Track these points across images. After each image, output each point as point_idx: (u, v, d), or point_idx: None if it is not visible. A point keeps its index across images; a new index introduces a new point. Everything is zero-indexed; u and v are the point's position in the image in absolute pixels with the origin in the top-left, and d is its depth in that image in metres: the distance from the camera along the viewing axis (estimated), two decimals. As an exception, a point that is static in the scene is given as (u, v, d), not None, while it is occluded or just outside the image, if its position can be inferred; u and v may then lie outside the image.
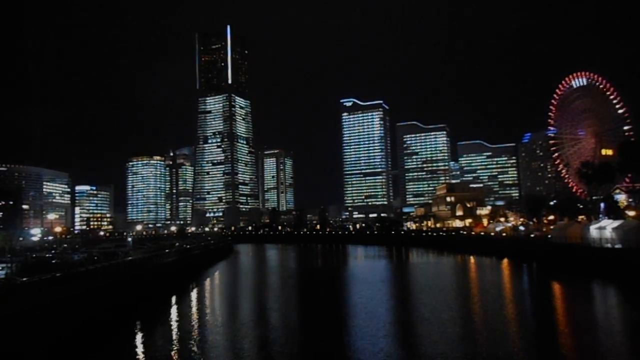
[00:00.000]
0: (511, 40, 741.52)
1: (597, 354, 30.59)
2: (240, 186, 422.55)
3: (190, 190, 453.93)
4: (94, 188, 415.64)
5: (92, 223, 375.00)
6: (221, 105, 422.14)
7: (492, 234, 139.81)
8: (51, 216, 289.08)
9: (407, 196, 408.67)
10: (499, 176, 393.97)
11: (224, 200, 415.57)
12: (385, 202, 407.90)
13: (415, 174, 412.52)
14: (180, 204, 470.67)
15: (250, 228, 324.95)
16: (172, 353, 32.17)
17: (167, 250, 79.07)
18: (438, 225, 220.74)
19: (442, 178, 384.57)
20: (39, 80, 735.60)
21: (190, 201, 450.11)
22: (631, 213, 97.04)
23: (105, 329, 38.92)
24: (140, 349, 33.80)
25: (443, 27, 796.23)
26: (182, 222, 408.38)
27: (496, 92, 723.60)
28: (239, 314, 47.53)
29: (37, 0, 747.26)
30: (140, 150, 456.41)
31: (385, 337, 35.20)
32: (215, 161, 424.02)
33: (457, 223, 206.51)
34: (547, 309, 45.99)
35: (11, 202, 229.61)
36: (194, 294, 61.88)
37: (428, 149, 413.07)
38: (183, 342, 34.91)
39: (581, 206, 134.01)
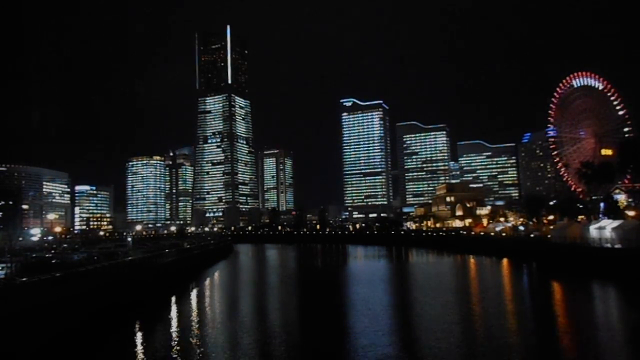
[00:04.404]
0: (511, 40, 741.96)
1: (597, 354, 30.63)
2: (240, 186, 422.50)
3: (190, 190, 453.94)
4: (94, 188, 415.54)
5: (92, 223, 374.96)
6: (221, 105, 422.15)
7: (492, 234, 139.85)
8: (51, 216, 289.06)
9: (407, 196, 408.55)
10: (499, 176, 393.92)
11: (223, 200, 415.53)
12: (385, 202, 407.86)
13: (415, 174, 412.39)
14: (180, 204, 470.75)
15: (250, 228, 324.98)
16: (172, 353, 32.19)
17: (167, 250, 79.08)
18: (438, 225, 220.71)
19: (442, 178, 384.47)
20: (39, 80, 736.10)
21: (190, 201, 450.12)
22: (631, 213, 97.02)
23: (105, 329, 38.95)
24: (140, 349, 33.82)
25: (443, 27, 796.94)
26: (182, 222, 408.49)
27: (496, 92, 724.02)
28: (238, 313, 47.56)
29: (36, 0, 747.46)
30: (140, 150, 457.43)
31: (385, 335, 35.22)
32: (215, 161, 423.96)
33: (457, 223, 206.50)
34: (546, 308, 46.04)
35: (11, 202, 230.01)
36: (193, 294, 61.90)
37: (428, 149, 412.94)
38: (183, 342, 34.92)
39: (581, 206, 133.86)
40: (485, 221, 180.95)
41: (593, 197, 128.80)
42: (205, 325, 41.20)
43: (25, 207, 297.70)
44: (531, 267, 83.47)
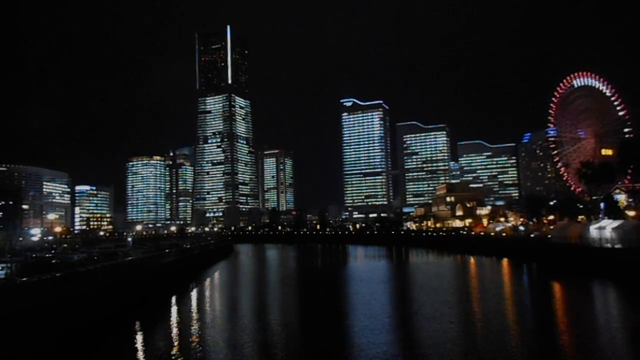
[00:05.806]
0: (512, 40, 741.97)
1: (597, 354, 30.60)
2: (240, 186, 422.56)
3: (190, 190, 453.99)
4: (94, 188, 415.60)
5: (92, 223, 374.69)
6: (221, 105, 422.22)
7: (492, 234, 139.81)
8: (51, 216, 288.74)
9: (407, 196, 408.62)
10: (499, 176, 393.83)
11: (224, 200, 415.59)
12: (385, 202, 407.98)
13: (415, 174, 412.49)
14: (180, 204, 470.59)
15: (250, 228, 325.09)
16: (172, 353, 32.18)
17: (167, 250, 79.09)
18: (438, 225, 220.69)
19: (442, 178, 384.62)
20: (39, 80, 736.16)
21: (190, 201, 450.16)
22: (631, 213, 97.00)
23: (105, 329, 38.94)
24: (140, 349, 33.82)
25: (443, 27, 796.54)
26: (182, 222, 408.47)
27: (496, 92, 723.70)
28: (239, 313, 47.57)
29: (35, 0, 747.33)
30: (140, 150, 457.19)
31: (384, 334, 35.20)
32: (215, 161, 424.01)
33: (457, 223, 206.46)
34: (546, 308, 46.04)
35: (11, 202, 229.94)
36: (194, 294, 61.91)
37: (428, 149, 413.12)
38: (183, 342, 34.94)
39: (581, 206, 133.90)
40: (485, 221, 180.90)
41: (593, 197, 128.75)
42: (205, 325, 41.17)
43: (25, 207, 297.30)
44: (531, 267, 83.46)
